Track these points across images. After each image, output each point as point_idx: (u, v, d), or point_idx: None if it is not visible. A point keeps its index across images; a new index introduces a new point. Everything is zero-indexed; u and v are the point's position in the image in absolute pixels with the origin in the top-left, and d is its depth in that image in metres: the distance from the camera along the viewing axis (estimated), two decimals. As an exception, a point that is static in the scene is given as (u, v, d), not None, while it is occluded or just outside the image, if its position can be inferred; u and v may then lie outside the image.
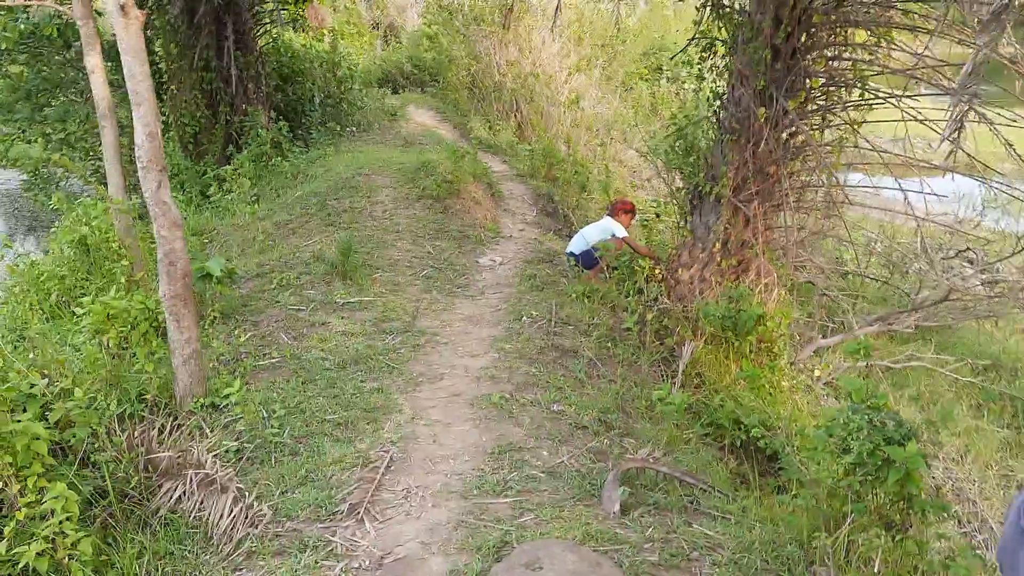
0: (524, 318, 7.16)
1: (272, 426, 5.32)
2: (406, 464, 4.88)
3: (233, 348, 6.49)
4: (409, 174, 10.56)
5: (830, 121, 8.11)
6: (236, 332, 6.78)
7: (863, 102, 7.48)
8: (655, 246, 9.51)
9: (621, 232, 8.55)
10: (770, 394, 6.68)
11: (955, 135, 5.25)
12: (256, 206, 10.53)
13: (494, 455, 4.95)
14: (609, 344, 6.94)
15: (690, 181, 8.61)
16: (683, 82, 19.03)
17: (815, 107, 7.94)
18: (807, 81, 7.62)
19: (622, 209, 8.81)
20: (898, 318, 11.44)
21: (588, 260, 8.48)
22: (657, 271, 8.30)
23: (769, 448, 6.00)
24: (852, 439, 4.20)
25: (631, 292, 7.81)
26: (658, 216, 9.97)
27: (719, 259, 8.19)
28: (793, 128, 7.85)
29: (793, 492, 4.87)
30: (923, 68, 7.21)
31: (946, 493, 9.71)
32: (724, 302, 7.21)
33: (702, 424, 6.14)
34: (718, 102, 8.47)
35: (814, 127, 7.81)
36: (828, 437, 4.33)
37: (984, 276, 12.88)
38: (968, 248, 12.98)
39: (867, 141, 8.11)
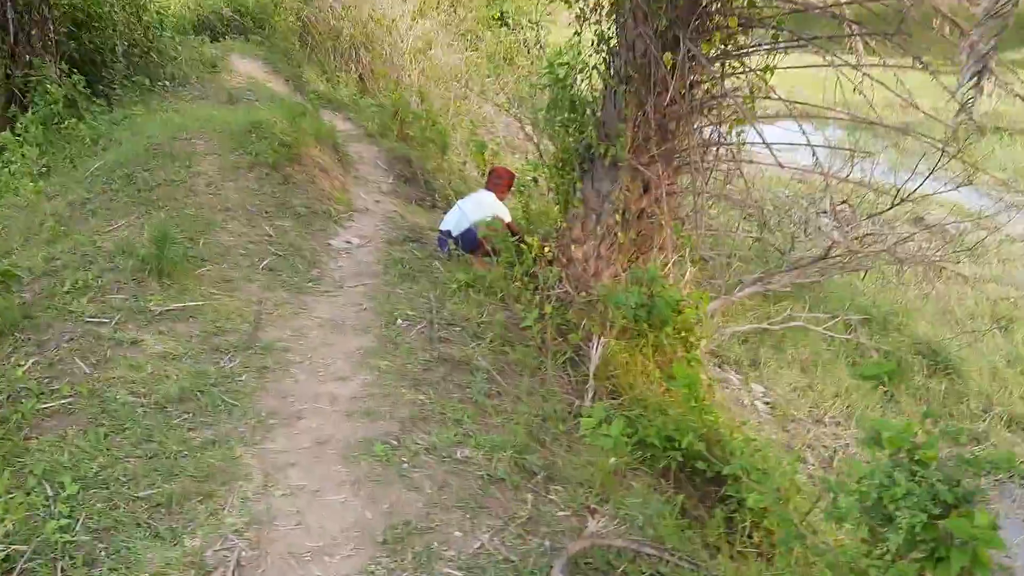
0: (399, 320, 5.69)
1: (59, 514, 3.65)
2: (261, 569, 3.35)
3: (7, 383, 4.72)
4: (237, 137, 8.72)
5: (737, 68, 6.94)
6: (12, 360, 4.99)
7: (789, 44, 6.34)
8: (535, 217, 8.17)
9: (505, 214, 7.18)
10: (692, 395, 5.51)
11: (971, 101, 4.12)
12: (45, 181, 8.42)
13: (387, 544, 3.51)
14: (506, 348, 5.57)
15: (577, 141, 7.27)
16: (522, 30, 17.68)
17: (724, 51, 6.74)
18: (716, 20, 6.39)
19: (504, 183, 7.42)
20: (775, 277, 10.60)
21: (468, 241, 7.06)
22: (547, 249, 6.94)
23: (710, 470, 4.86)
24: (894, 506, 3.02)
25: (521, 278, 6.43)
26: (536, 182, 8.61)
27: (617, 233, 6.94)
28: (700, 76, 6.63)
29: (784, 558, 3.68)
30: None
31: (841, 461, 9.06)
32: (634, 287, 5.95)
33: (630, 446, 4.88)
34: (605, 47, 7.14)
35: (724, 75, 6.61)
36: (858, 502, 3.13)
37: (861, 231, 12.21)
38: (844, 201, 12.42)
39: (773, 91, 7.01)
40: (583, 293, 6.41)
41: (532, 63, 16.30)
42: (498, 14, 16.81)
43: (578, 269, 7.01)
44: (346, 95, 12.83)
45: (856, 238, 11.39)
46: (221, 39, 15.66)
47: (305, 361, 5.14)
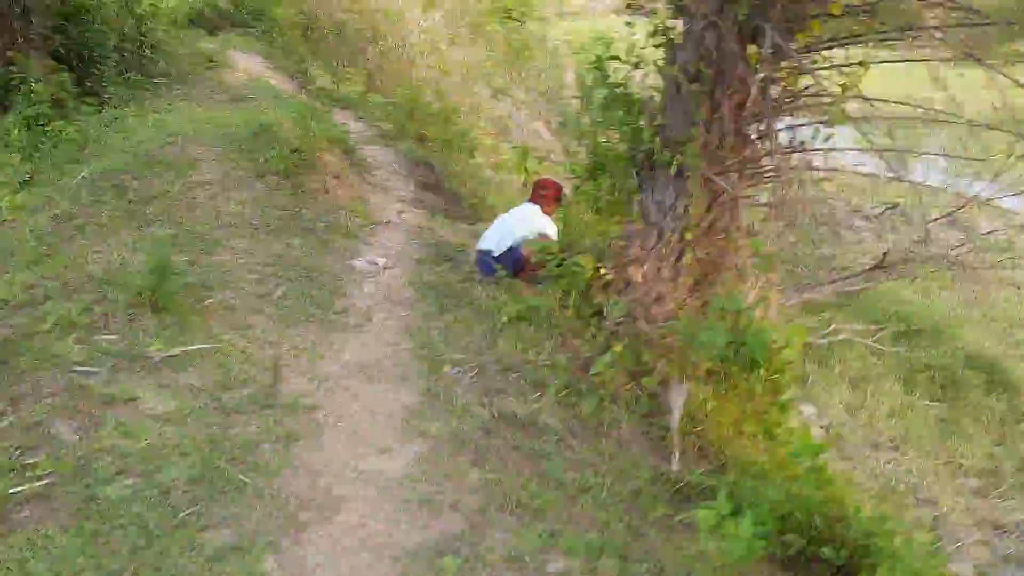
0: (445, 366, 4.68)
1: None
2: None
3: (-28, 456, 3.75)
4: (242, 142, 7.71)
5: (820, 63, 5.94)
6: (-21, 422, 4.00)
7: (886, 37, 5.37)
8: (576, 229, 7.18)
9: (553, 232, 6.20)
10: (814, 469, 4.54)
11: None
12: (27, 192, 7.39)
13: None
14: (573, 398, 4.59)
15: (634, 147, 6.28)
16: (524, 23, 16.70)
17: (807, 44, 5.75)
18: (810, 8, 5.40)
19: (551, 195, 6.43)
20: (824, 287, 9.61)
21: (512, 262, 6.07)
22: (603, 271, 5.96)
23: (838, 558, 3.91)
24: None
25: (579, 306, 5.46)
26: (577, 191, 7.62)
27: (683, 252, 5.96)
28: (780, 73, 5.65)
29: None
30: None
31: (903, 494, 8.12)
32: (718, 321, 4.98)
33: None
34: (663, 38, 6.14)
35: (814, 71, 5.62)
36: None
37: (915, 236, 11.21)
38: (896, 204, 11.48)
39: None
40: (657, 327, 5.42)
41: (548, 58, 15.34)
42: (510, 4, 15.82)
43: (638, 293, 6.02)
44: (354, 92, 11.80)
45: (910, 244, 10.38)
46: (219, 33, 14.60)
47: (338, 424, 4.14)
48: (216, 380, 4.44)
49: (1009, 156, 6.19)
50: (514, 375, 4.72)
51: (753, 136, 5.93)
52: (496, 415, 4.25)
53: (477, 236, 7.26)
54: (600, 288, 5.96)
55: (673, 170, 5.80)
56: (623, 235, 6.38)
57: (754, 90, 5.44)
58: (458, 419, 4.16)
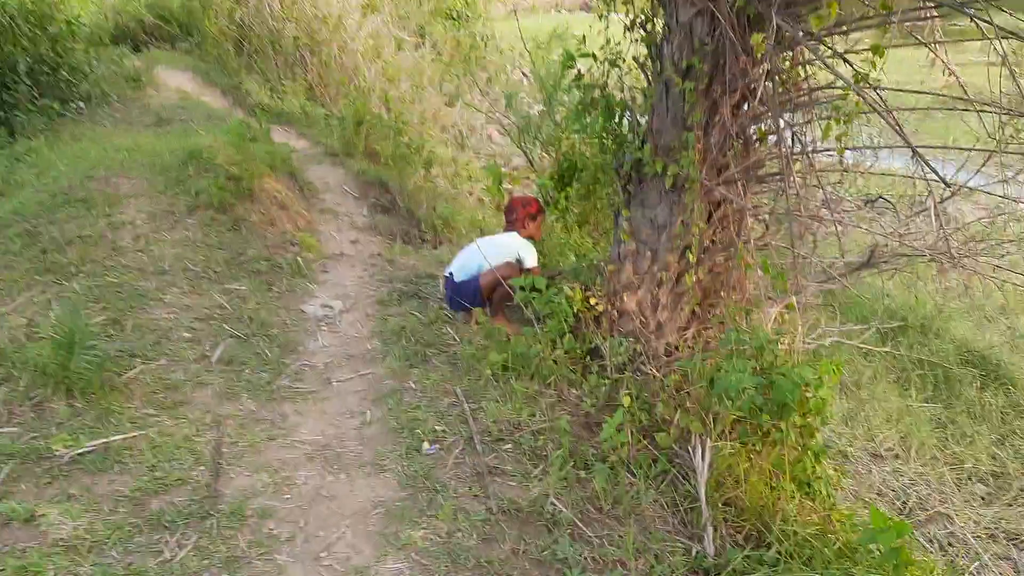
0: (425, 444, 3.81)
1: None
2: None
3: None
4: (171, 172, 6.75)
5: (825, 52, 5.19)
6: None
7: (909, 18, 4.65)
8: (550, 250, 6.38)
9: (532, 259, 5.38)
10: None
11: None
12: (-80, 243, 6.36)
13: None
14: (581, 472, 3.75)
15: (618, 157, 5.50)
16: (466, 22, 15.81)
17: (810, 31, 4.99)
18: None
19: (527, 214, 5.60)
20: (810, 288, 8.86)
21: (469, 292, 5.24)
22: (593, 300, 5.14)
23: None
24: None
25: (571, 347, 4.63)
26: (549, 205, 6.80)
27: (680, 275, 5.19)
28: (789, 64, 4.89)
29: None
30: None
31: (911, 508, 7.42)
32: (739, 359, 4.20)
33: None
34: (644, 31, 5.36)
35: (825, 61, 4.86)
36: None
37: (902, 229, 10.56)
38: (880, 197, 10.85)
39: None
40: (668, 372, 4.61)
41: (500, 59, 14.48)
42: (456, 3, 14.93)
43: (635, 324, 5.22)
44: (295, 106, 10.82)
45: (895, 237, 9.70)
46: (145, 49, 13.49)
47: (297, 536, 3.25)
48: (141, 483, 3.52)
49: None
50: (507, 446, 3.88)
51: (755, 138, 5.18)
52: (494, 510, 3.39)
53: (440, 262, 6.41)
54: (591, 322, 5.15)
55: (669, 182, 5.00)
56: (611, 258, 5.58)
57: (764, 84, 4.69)
58: (448, 520, 3.29)
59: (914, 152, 4.27)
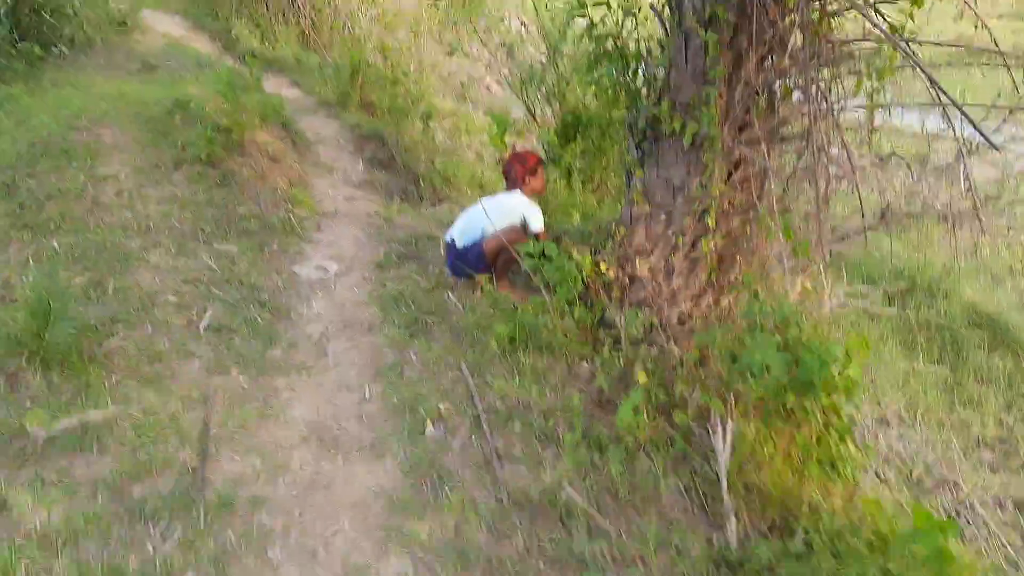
0: (428, 425, 3.53)
1: None
2: None
3: None
4: (157, 123, 6.38)
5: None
6: None
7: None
8: (554, 210, 6.06)
9: (538, 222, 5.06)
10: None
11: None
12: None
13: None
14: (595, 456, 3.47)
15: (631, 113, 5.15)
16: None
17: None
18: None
19: (525, 171, 5.24)
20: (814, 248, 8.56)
21: (473, 258, 4.93)
22: (603, 266, 4.82)
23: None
24: None
25: (580, 316, 4.34)
26: (553, 162, 6.46)
27: (696, 239, 4.88)
28: (819, 15, 4.53)
29: None
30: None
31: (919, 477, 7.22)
32: (763, 333, 3.92)
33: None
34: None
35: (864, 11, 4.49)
36: None
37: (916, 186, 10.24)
38: (893, 154, 10.47)
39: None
40: (688, 346, 4.33)
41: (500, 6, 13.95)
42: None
43: (648, 292, 4.92)
44: (287, 53, 10.36)
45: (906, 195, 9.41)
46: (131, -9, 12.92)
47: (292, 529, 2.98)
48: (121, 466, 3.25)
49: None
50: (516, 427, 3.60)
51: (779, 95, 4.82)
52: (504, 501, 3.12)
53: (441, 222, 6.07)
54: (601, 289, 4.84)
55: (688, 141, 4.65)
56: (622, 221, 5.26)
57: (794, 36, 4.34)
58: (456, 513, 3.02)
59: (962, 113, 3.95)
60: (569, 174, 6.92)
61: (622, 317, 4.27)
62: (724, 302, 5.04)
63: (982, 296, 10.10)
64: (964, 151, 5.11)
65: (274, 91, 8.11)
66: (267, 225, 5.58)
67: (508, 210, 5.12)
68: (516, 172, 5.26)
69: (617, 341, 4.31)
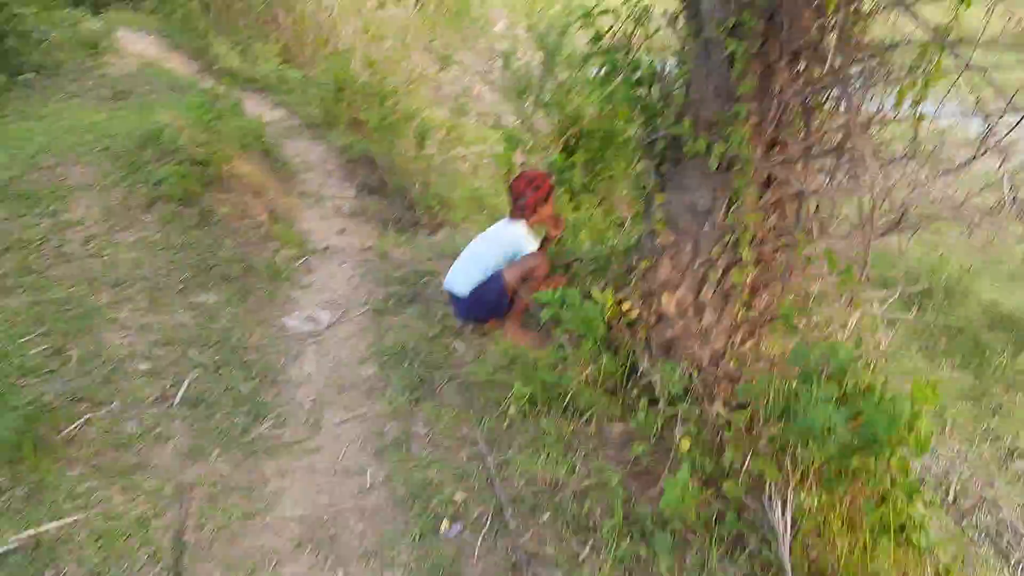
0: (443, 525, 2.97)
1: None
2: None
3: None
4: (128, 158, 5.81)
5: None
6: None
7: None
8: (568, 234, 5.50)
9: (532, 248, 4.53)
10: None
11: None
12: None
13: None
14: (638, 546, 2.92)
15: (649, 133, 4.59)
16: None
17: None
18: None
19: (538, 198, 4.67)
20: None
21: (485, 306, 4.37)
22: (626, 305, 4.28)
23: None
24: None
25: (605, 364, 3.79)
26: (561, 184, 5.92)
27: (726, 270, 4.35)
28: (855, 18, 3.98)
29: None
30: None
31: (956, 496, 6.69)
32: (826, 394, 3.38)
33: None
34: (673, -17, 4.44)
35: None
36: None
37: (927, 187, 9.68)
38: (906, 155, 9.95)
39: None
40: (722, 391, 3.79)
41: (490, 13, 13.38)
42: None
43: (676, 330, 4.38)
44: (269, 71, 9.77)
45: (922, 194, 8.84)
46: (104, 9, 12.33)
47: None
48: (80, 596, 2.67)
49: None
50: (545, 516, 3.05)
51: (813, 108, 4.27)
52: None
53: (441, 253, 5.52)
54: (624, 330, 4.29)
55: (714, 163, 4.10)
56: (642, 250, 4.71)
57: (832, 39, 3.82)
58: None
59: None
60: (572, 193, 6.39)
61: (657, 372, 3.72)
62: (760, 338, 4.52)
63: (1001, 295, 9.61)
64: (1005, 155, 4.57)
65: (255, 113, 7.55)
66: (251, 269, 5.02)
67: (503, 244, 4.55)
68: (527, 199, 4.68)
69: (652, 397, 3.77)
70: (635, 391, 3.93)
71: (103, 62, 9.28)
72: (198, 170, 5.66)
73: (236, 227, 5.39)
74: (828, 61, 3.80)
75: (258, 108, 8.07)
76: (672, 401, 3.62)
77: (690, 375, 3.78)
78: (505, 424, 3.55)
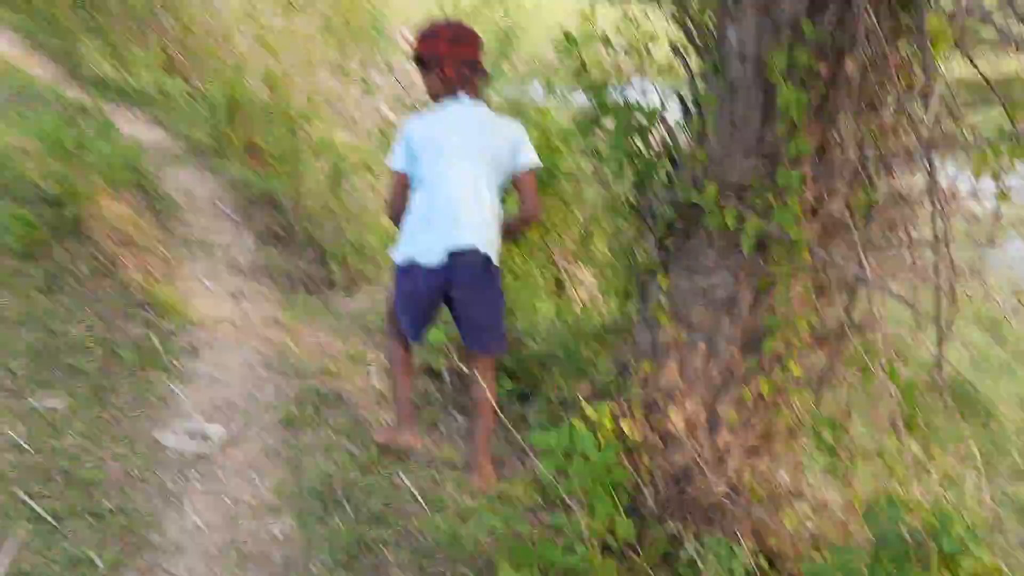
0: None
1: None
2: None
3: None
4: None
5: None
6: None
7: None
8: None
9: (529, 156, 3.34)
10: None
11: None
12: None
13: None
14: None
15: (646, 197, 3.55)
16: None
17: None
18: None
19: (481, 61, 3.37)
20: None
21: (500, 309, 3.23)
22: (627, 426, 3.21)
23: None
24: None
25: (628, 534, 2.69)
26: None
27: (747, 374, 3.37)
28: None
29: None
30: None
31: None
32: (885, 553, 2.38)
33: None
34: (677, 6, 3.42)
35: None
36: None
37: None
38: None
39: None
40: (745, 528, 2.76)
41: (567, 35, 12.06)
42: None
43: (681, 458, 3.37)
44: (148, 81, 8.26)
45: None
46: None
47: None
48: None
49: None
50: None
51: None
52: None
53: (364, 325, 4.30)
54: (624, 456, 3.21)
55: (748, 245, 3.07)
56: (636, 348, 3.68)
57: (925, 82, 2.91)
58: None
59: None
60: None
61: (693, 547, 2.64)
62: (792, 467, 3.55)
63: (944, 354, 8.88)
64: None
65: (130, 134, 6.10)
66: (114, 355, 3.67)
67: (510, 139, 3.34)
68: (478, 62, 3.33)
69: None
70: (652, 549, 2.87)
71: (-56, 63, 7.57)
72: (50, 213, 4.26)
73: (96, 292, 4.03)
74: (924, 120, 2.84)
75: (132, 127, 6.60)
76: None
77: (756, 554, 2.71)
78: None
